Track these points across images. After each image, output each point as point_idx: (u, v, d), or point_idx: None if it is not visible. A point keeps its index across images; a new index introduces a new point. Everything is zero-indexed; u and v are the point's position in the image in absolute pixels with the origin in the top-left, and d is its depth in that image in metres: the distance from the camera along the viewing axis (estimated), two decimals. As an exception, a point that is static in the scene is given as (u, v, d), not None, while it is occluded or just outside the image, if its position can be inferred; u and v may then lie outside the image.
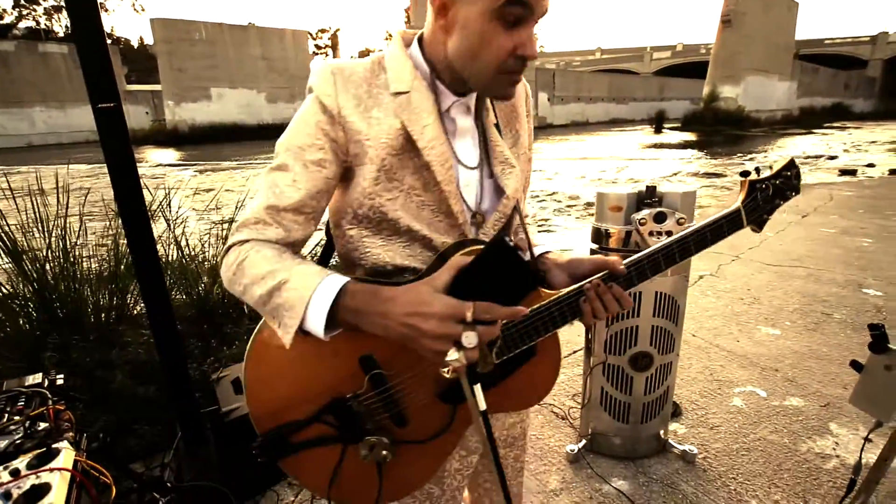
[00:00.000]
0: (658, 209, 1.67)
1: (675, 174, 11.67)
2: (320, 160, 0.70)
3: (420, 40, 0.73)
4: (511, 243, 0.59)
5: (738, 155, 15.73)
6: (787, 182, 0.80)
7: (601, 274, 0.74)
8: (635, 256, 0.76)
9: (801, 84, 38.42)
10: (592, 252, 1.84)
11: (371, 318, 0.63)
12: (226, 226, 3.07)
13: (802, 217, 6.09)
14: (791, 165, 0.80)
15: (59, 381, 1.35)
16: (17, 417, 1.12)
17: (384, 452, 0.72)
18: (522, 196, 0.86)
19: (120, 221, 2.81)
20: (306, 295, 0.63)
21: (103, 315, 2.60)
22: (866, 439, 1.03)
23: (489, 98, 0.77)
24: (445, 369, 0.59)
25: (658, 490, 1.78)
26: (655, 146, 19.91)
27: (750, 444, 2.02)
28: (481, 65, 0.65)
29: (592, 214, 1.85)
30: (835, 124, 32.45)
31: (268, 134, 30.86)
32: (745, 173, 0.81)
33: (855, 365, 0.95)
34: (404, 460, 0.76)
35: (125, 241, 2.71)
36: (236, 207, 3.10)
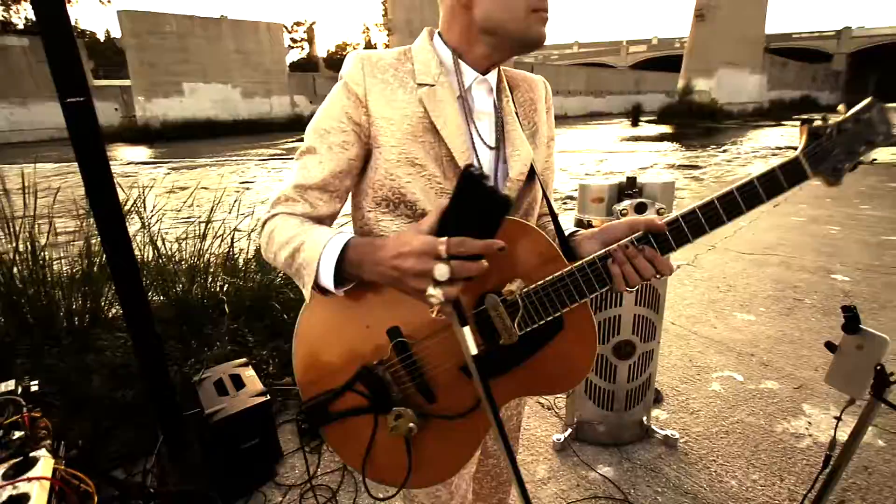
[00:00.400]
0: (639, 200, 1.70)
1: (653, 166, 11.88)
2: (343, 142, 0.75)
3: (439, 34, 0.78)
4: (476, 172, 0.56)
5: (713, 147, 16.10)
6: (868, 126, 0.67)
7: (634, 235, 0.70)
8: (674, 214, 0.70)
9: (771, 77, 39.44)
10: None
11: (368, 266, 0.66)
12: (203, 225, 3.00)
13: (774, 206, 6.28)
14: (869, 107, 0.67)
15: (34, 388, 1.30)
16: (-11, 426, 1.08)
17: (411, 425, 0.72)
18: (549, 185, 0.87)
19: (92, 221, 2.73)
20: (317, 253, 0.68)
21: (76, 319, 2.52)
22: (839, 418, 1.07)
23: (524, 47, 0.75)
24: (431, 309, 0.60)
25: (642, 475, 1.83)
26: (633, 139, 20.21)
27: (729, 427, 2.08)
28: (516, 10, 0.70)
29: (573, 209, 1.88)
30: (803, 116, 33.35)
31: (243, 129, 30.17)
32: (806, 120, 0.71)
33: (829, 346, 0.99)
34: (434, 442, 0.76)
35: (97, 241, 2.64)
36: (213, 206, 3.03)
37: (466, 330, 0.59)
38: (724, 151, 14.70)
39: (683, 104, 29.95)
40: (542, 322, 0.71)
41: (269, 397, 1.90)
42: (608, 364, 1.87)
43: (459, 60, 0.76)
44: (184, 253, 2.95)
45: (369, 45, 66.34)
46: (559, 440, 1.97)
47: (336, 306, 0.76)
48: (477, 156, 0.76)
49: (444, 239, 0.58)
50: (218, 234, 3.01)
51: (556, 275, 0.70)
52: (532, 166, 0.79)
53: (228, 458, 1.84)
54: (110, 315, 2.65)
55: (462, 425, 0.75)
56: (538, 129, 0.84)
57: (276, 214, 0.75)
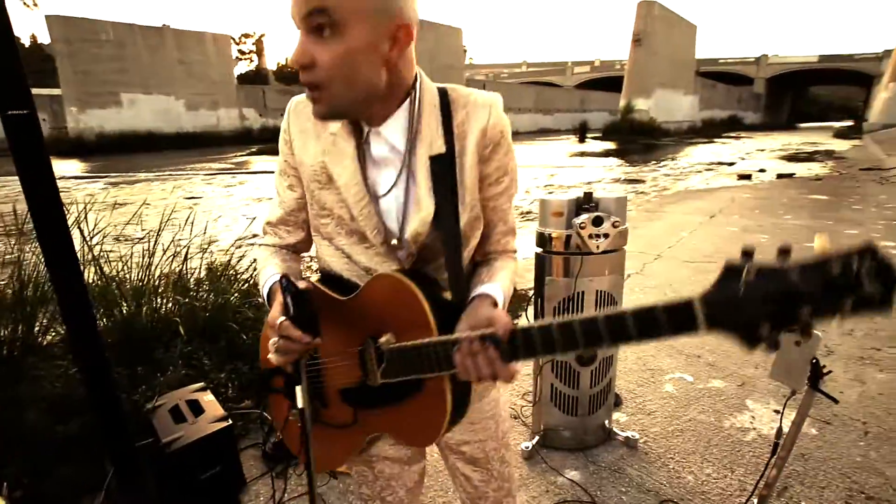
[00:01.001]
0: (595, 213, 1.80)
1: (600, 180, 12.48)
2: (290, 185, 0.86)
3: None
4: (284, 284, 0.70)
5: (653, 162, 17.14)
6: (853, 282, 0.45)
7: (484, 330, 0.65)
8: (531, 324, 0.64)
9: (702, 98, 42.71)
10: (537, 256, 1.94)
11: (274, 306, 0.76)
12: (149, 243, 2.84)
13: (710, 217, 6.77)
14: (864, 254, 0.45)
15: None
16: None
17: (295, 419, 0.82)
18: (495, 225, 0.85)
19: (23, 240, 2.52)
20: (264, 278, 0.86)
21: (5, 348, 2.31)
22: (782, 409, 1.18)
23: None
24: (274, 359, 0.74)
25: (607, 476, 1.90)
26: (580, 154, 21.17)
27: (683, 426, 2.21)
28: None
29: (531, 221, 1.96)
30: (731, 134, 36.39)
31: (188, 143, 28.81)
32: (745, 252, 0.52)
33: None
34: (325, 436, 0.88)
35: (30, 263, 2.44)
36: (161, 225, 2.89)
37: (299, 389, 0.76)
38: (664, 166, 15.69)
39: (625, 122, 31.79)
40: (401, 378, 0.75)
41: (230, 422, 1.83)
42: (571, 371, 1.94)
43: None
44: (129, 273, 2.78)
45: (321, 59, 65.46)
46: (527, 448, 2.01)
47: None
48: (377, 204, 0.76)
49: (280, 320, 0.69)
50: (168, 253, 2.86)
51: (415, 342, 0.71)
52: (445, 218, 0.75)
53: (187, 489, 1.74)
54: (45, 342, 2.45)
55: (341, 434, 0.88)
56: (465, 173, 0.77)
57: (259, 245, 0.93)
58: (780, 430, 1.18)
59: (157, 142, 27.24)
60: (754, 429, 2.18)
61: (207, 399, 1.94)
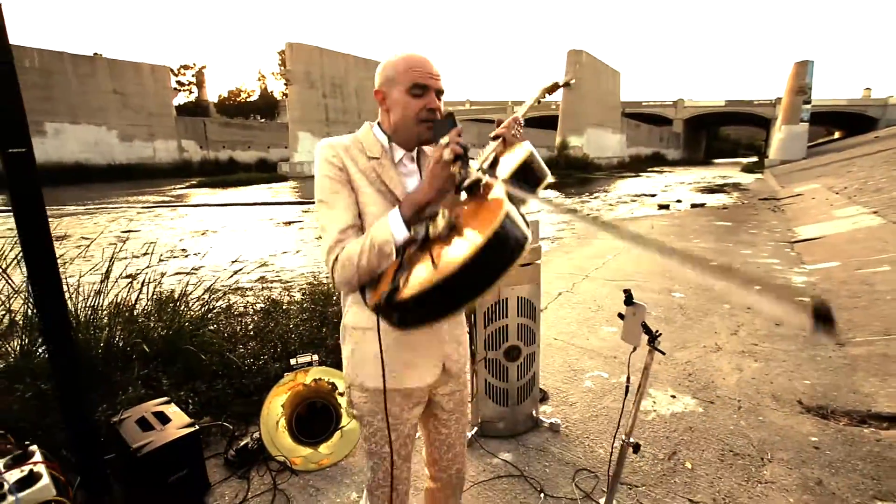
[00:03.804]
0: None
1: (539, 211, 13.35)
2: (348, 194, 1.12)
3: (378, 125, 1.19)
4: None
5: (587, 194, 18.53)
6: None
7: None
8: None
9: (628, 136, 46.65)
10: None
11: (420, 196, 1.04)
12: (101, 277, 2.90)
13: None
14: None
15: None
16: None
17: (442, 212, 0.96)
18: None
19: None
20: (386, 224, 1.03)
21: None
22: (628, 360, 1.58)
23: (420, 143, 1.17)
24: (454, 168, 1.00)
25: (534, 455, 2.24)
26: (522, 187, 22.33)
27: (598, 412, 2.61)
28: (408, 120, 1.13)
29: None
30: (655, 168, 39.86)
31: (121, 175, 27.31)
32: None
33: (620, 316, 1.50)
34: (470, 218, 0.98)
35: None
36: (113, 255, 2.98)
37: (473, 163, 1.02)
38: (596, 198, 17.01)
39: (561, 157, 34.01)
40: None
41: (196, 427, 1.99)
42: (500, 366, 2.30)
43: (392, 144, 1.17)
44: (77, 304, 2.82)
45: (265, 93, 65.18)
46: (467, 437, 2.32)
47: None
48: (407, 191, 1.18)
49: (443, 141, 1.02)
50: (117, 285, 2.95)
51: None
52: None
53: (156, 492, 1.88)
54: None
55: (475, 203, 0.99)
56: None
57: (341, 251, 1.06)
58: (628, 377, 1.59)
59: (87, 174, 25.68)
60: (654, 411, 2.62)
61: (172, 410, 2.09)
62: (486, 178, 0.98)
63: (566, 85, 1.51)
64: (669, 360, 3.24)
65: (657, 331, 1.43)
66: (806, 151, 32.53)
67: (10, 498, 0.91)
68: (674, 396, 2.77)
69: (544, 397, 2.75)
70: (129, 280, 3.11)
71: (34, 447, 1.09)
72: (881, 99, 53.98)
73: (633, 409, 1.57)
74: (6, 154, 1.52)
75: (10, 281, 2.55)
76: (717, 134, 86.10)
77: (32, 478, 0.97)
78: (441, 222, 0.93)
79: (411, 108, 1.11)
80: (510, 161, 1.30)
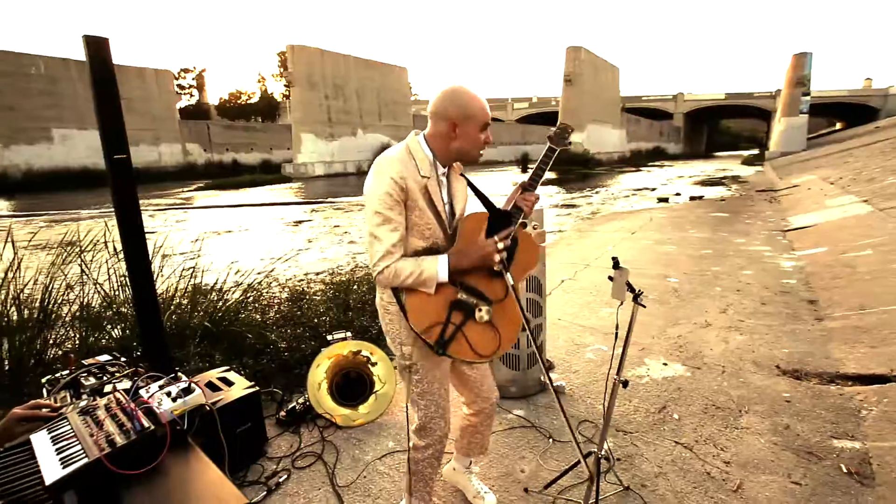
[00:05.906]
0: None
1: (541, 207, 13.67)
2: (400, 211, 1.40)
3: (425, 137, 1.47)
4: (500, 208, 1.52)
5: (588, 189, 18.85)
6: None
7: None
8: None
9: (629, 132, 46.89)
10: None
11: (464, 261, 1.41)
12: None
13: (632, 234, 7.91)
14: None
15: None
16: None
17: (488, 308, 1.43)
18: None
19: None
20: (435, 265, 1.39)
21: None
22: (617, 310, 1.92)
23: (471, 163, 1.54)
24: (495, 265, 1.41)
25: (543, 411, 2.59)
26: (523, 183, 22.68)
27: (598, 378, 2.97)
28: (475, 148, 1.46)
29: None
30: (656, 163, 40.15)
31: (128, 179, 27.76)
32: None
33: (610, 278, 1.84)
34: (498, 318, 1.46)
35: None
36: (157, 250, 3.34)
37: (509, 276, 1.43)
38: (597, 193, 17.34)
39: (563, 153, 34.29)
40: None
41: (258, 388, 2.35)
42: (514, 336, 2.65)
43: (436, 161, 1.46)
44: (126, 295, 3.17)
45: (266, 95, 65.60)
46: (485, 398, 2.67)
47: (420, 292, 1.44)
48: (445, 206, 1.51)
49: (495, 238, 1.43)
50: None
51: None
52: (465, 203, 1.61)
53: (227, 441, 2.23)
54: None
55: (506, 306, 1.47)
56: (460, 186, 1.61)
57: (392, 262, 1.37)
58: (617, 325, 1.94)
59: (93, 179, 26.09)
60: (648, 375, 2.97)
61: (234, 376, 2.45)
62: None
63: (562, 140, 1.83)
64: (662, 335, 3.59)
65: (639, 290, 1.78)
66: (806, 143, 32.74)
67: (179, 401, 1.26)
68: (665, 364, 3.13)
69: (550, 366, 3.10)
70: (167, 274, 3.47)
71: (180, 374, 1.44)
72: (882, 89, 54.07)
73: (621, 352, 1.90)
74: (112, 160, 1.87)
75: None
76: (718, 127, 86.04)
77: (190, 389, 1.32)
78: (485, 316, 1.43)
79: (479, 141, 1.44)
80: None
